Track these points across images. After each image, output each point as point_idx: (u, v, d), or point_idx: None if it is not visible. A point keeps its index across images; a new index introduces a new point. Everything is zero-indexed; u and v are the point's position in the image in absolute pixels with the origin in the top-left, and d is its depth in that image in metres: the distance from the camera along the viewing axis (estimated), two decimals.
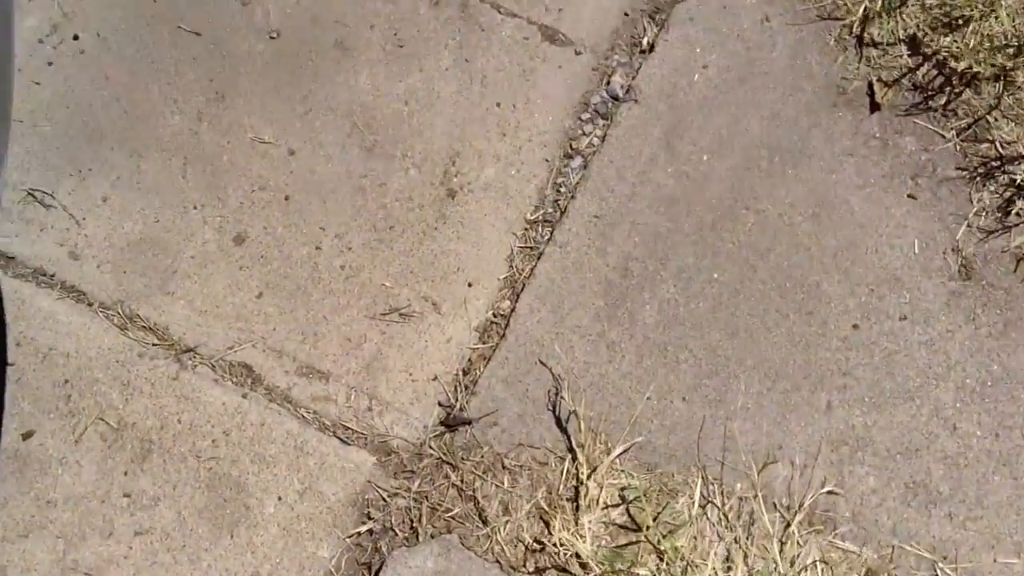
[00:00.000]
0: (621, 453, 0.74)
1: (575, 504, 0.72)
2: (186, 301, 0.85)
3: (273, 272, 0.84)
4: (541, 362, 0.79)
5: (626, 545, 0.72)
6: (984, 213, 0.80)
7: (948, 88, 0.84)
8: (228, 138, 0.88)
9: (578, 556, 0.69)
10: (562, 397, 0.76)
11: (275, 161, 0.87)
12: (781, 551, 0.68)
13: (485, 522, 0.73)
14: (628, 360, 0.78)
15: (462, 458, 0.76)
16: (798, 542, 0.69)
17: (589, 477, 0.72)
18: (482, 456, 0.76)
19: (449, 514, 0.73)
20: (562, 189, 0.86)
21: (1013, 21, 0.80)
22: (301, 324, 0.82)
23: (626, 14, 0.90)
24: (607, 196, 0.83)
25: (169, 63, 0.91)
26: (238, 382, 0.81)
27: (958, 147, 0.82)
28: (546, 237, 0.85)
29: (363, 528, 0.75)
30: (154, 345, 0.82)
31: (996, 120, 0.82)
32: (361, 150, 0.87)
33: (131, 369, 0.81)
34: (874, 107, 0.84)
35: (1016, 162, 0.79)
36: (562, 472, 0.74)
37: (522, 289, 0.81)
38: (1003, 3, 0.81)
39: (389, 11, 0.91)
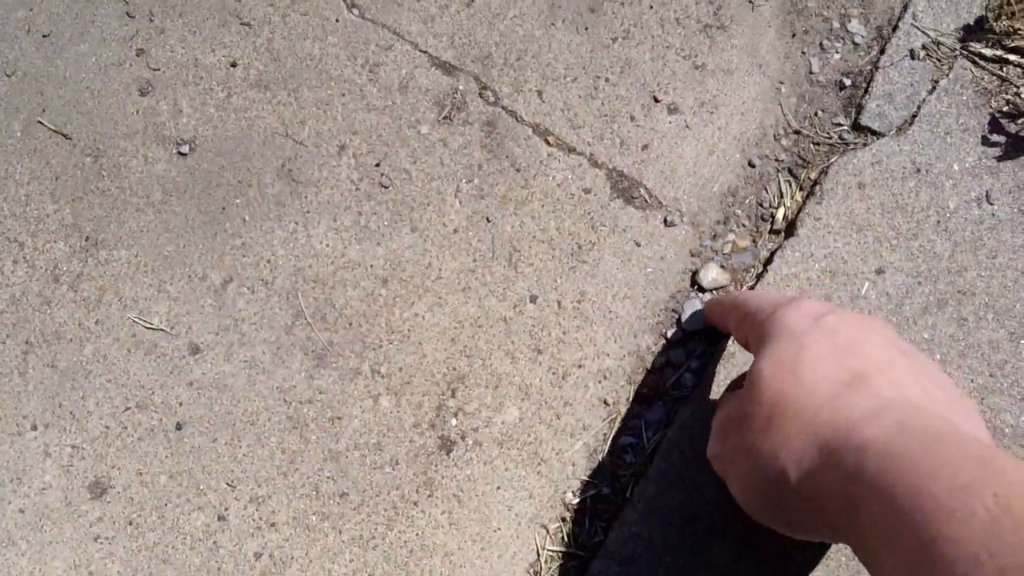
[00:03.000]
0: None
1: None
2: None
3: (146, 550, 0.63)
4: None
5: None
6: None
7: None
8: (96, 315, 0.63)
9: None
10: None
11: (167, 362, 0.62)
12: None
13: None
14: None
15: None
16: None
17: None
18: None
19: None
20: (628, 456, 0.60)
21: None
22: None
23: (751, 163, 0.64)
24: (696, 478, 0.58)
25: (17, 180, 0.67)
26: None
27: None
28: (596, 538, 0.59)
29: None
30: None
31: None
32: (307, 356, 0.62)
33: None
34: None
35: None
36: None
37: None
38: None
39: (372, 124, 0.67)
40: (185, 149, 0.72)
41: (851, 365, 0.41)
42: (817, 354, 0.42)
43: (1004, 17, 0.70)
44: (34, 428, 0.69)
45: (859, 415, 0.39)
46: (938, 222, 0.67)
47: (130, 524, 0.67)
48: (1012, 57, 0.69)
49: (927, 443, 0.35)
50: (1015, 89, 0.69)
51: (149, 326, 0.70)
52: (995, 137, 0.68)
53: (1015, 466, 0.34)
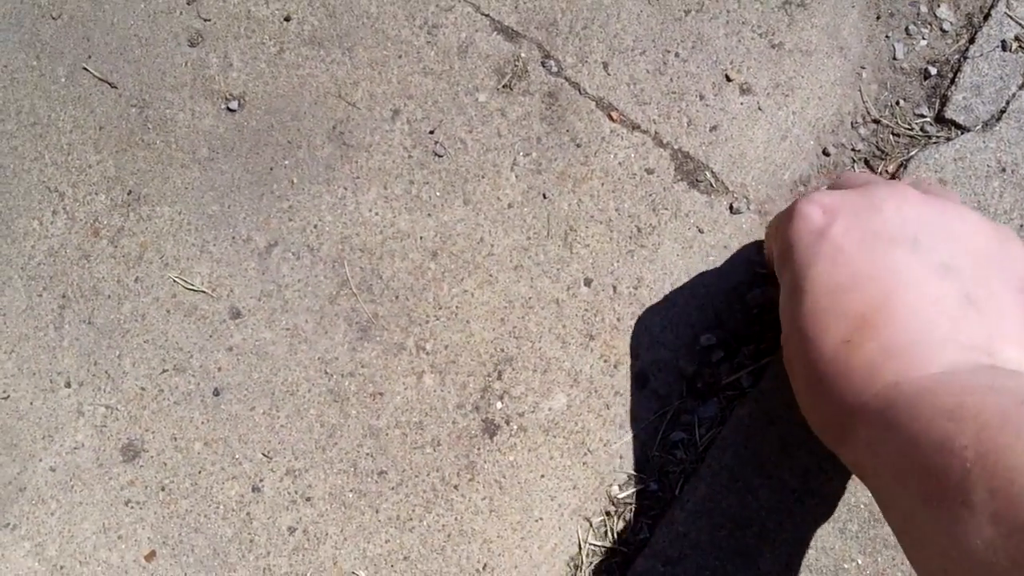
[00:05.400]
0: None
1: None
2: (34, 544, 0.58)
3: (177, 517, 0.60)
4: None
5: None
6: None
7: None
8: (136, 272, 0.60)
9: None
10: None
11: (206, 324, 0.59)
12: None
13: None
14: None
15: None
16: None
17: None
18: None
19: None
20: (678, 452, 0.56)
21: None
22: None
23: (825, 152, 0.59)
24: (749, 480, 0.55)
25: (60, 127, 0.64)
26: None
27: None
28: (641, 536, 0.55)
29: None
30: None
31: None
32: (350, 327, 0.58)
33: None
34: None
35: None
36: None
37: None
38: None
39: (428, 89, 0.62)
40: (234, 105, 0.68)
41: (852, 308, 0.37)
42: (816, 299, 0.39)
43: None
44: (68, 385, 0.66)
45: (859, 383, 0.37)
46: (1021, 225, 0.62)
47: (162, 490, 0.65)
48: None
49: (912, 406, 0.34)
50: None
51: (190, 287, 0.66)
52: None
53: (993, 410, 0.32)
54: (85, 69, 0.71)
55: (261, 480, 0.64)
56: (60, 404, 0.66)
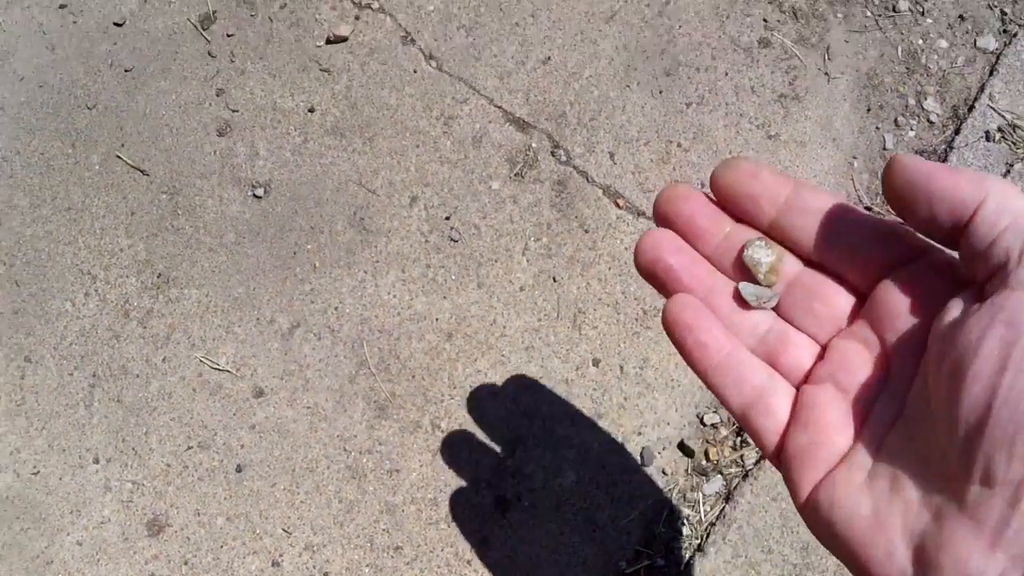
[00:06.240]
0: None
1: None
2: None
3: None
4: None
5: None
6: None
7: None
8: (164, 353, 0.62)
9: None
10: None
11: (231, 403, 0.61)
12: None
13: None
14: None
15: None
16: None
17: None
18: None
19: None
20: (684, 528, 0.58)
21: None
22: None
23: None
24: (752, 556, 0.56)
25: (93, 212, 0.67)
26: None
27: None
28: None
29: None
30: None
31: None
32: (368, 405, 0.61)
33: None
34: None
35: None
36: None
37: None
38: None
39: (444, 177, 0.66)
40: (260, 192, 0.72)
41: None
42: None
43: None
44: (96, 461, 0.68)
45: None
46: None
47: (185, 564, 0.67)
48: None
49: None
50: None
51: (215, 367, 0.69)
52: None
53: None
54: (118, 157, 0.75)
55: (281, 555, 0.66)
56: (88, 480, 0.69)
